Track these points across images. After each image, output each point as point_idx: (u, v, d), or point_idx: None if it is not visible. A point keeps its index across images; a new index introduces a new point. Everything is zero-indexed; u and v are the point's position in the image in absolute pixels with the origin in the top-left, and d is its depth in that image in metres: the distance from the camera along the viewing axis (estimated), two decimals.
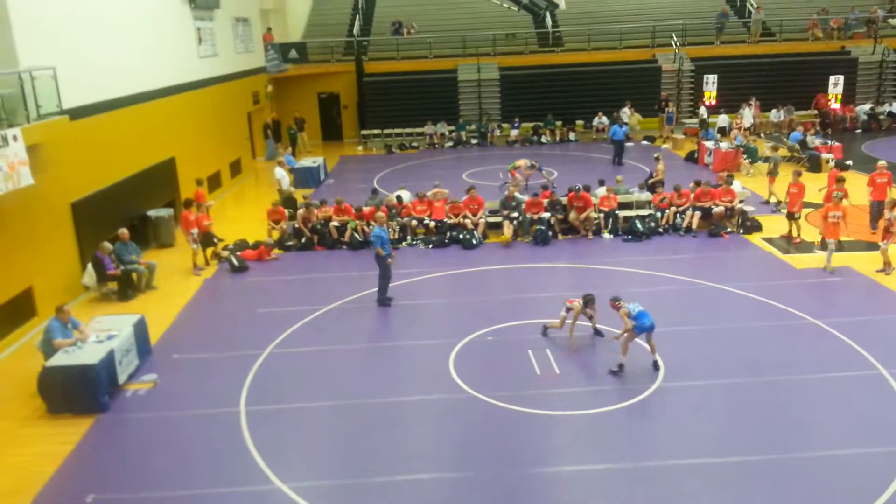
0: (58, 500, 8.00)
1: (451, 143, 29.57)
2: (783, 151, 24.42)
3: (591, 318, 11.37)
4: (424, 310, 13.02)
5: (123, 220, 15.54)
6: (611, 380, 10.13)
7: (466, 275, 14.68)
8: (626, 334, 10.30)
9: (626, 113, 28.90)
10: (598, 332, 11.47)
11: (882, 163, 16.46)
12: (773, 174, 18.54)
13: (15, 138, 11.16)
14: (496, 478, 8.11)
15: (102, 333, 10.51)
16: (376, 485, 8.05)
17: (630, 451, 8.52)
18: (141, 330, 11.19)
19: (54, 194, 13.48)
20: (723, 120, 27.36)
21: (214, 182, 22.36)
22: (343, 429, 9.26)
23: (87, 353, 9.91)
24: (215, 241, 16.23)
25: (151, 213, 17.27)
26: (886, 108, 29.58)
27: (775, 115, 28.85)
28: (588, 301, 11.04)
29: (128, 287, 14.06)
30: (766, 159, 21.10)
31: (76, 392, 9.65)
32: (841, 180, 15.53)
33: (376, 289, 13.22)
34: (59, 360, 9.84)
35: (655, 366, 10.40)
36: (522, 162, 21.00)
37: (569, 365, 10.61)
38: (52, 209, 13.49)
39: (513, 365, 10.68)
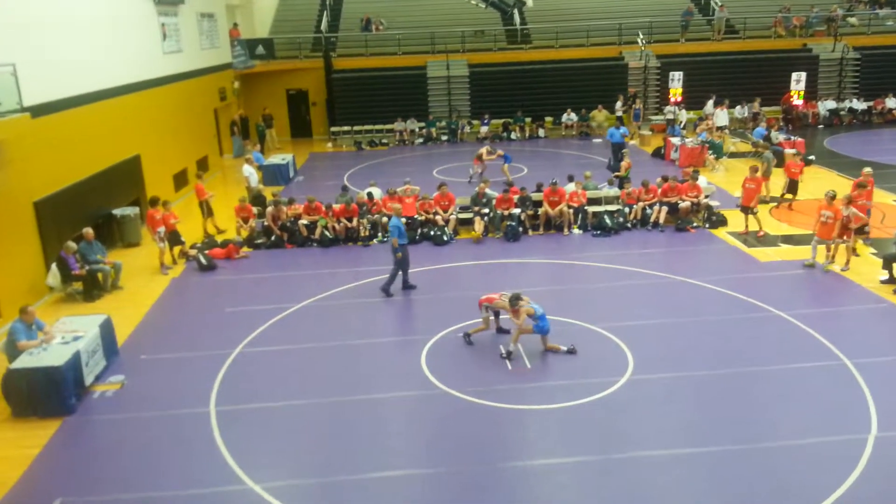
0: None
1: (421, 140, 29.55)
2: (744, 146, 24.90)
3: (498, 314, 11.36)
4: (396, 306, 13.01)
5: (88, 219, 15.25)
6: (581, 373, 10.23)
7: (438, 271, 14.70)
8: (520, 332, 10.68)
9: (619, 107, 28.93)
10: (501, 330, 11.51)
11: (867, 169, 15.77)
12: (766, 174, 18.32)
13: None
14: (468, 473, 8.14)
15: (68, 334, 10.32)
16: (349, 482, 8.04)
17: (600, 443, 8.62)
18: (107, 330, 11.01)
19: (16, 193, 13.19)
20: (682, 116, 27.76)
21: (181, 180, 22.07)
22: (315, 427, 9.22)
23: (52, 355, 9.72)
24: (182, 239, 16.02)
25: (117, 211, 16.98)
26: (847, 104, 30.27)
27: (739, 112, 29.36)
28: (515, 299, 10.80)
29: (93, 287, 13.82)
30: (756, 154, 21.58)
31: (42, 394, 9.46)
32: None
33: (351, 284, 13.20)
34: (23, 362, 9.63)
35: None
36: (483, 150, 22.22)
37: (540, 359, 10.69)
38: (14, 208, 13.18)
39: (485, 360, 10.74)
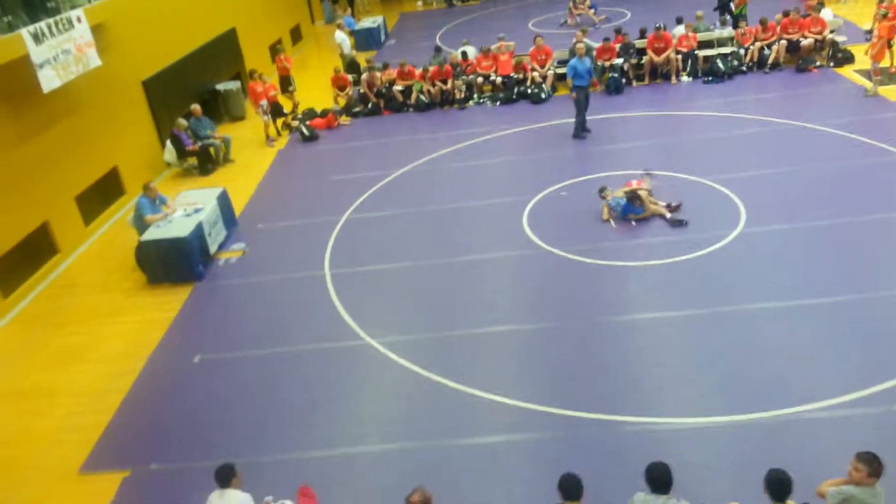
0: (168, 361, 8.72)
1: None
2: None
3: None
4: (495, 168, 12.92)
5: (194, 96, 15.74)
6: (691, 228, 9.94)
7: (536, 130, 14.35)
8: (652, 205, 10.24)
9: None
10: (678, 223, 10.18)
11: None
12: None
13: (79, 19, 11.24)
14: (571, 327, 8.28)
15: (189, 207, 10.97)
16: (456, 337, 8.39)
17: (710, 296, 8.48)
18: (224, 202, 11.60)
19: (125, 74, 13.68)
20: None
21: (277, 51, 22.09)
22: (421, 287, 9.56)
23: (177, 227, 10.41)
24: (284, 111, 16.29)
25: (220, 86, 17.38)
26: None
27: None
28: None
29: (207, 161, 14.47)
30: None
31: (172, 263, 10.25)
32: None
33: (450, 148, 13.14)
34: (152, 234, 10.38)
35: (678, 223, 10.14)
36: None
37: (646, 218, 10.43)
38: (125, 88, 13.74)
39: (587, 218, 10.61)
